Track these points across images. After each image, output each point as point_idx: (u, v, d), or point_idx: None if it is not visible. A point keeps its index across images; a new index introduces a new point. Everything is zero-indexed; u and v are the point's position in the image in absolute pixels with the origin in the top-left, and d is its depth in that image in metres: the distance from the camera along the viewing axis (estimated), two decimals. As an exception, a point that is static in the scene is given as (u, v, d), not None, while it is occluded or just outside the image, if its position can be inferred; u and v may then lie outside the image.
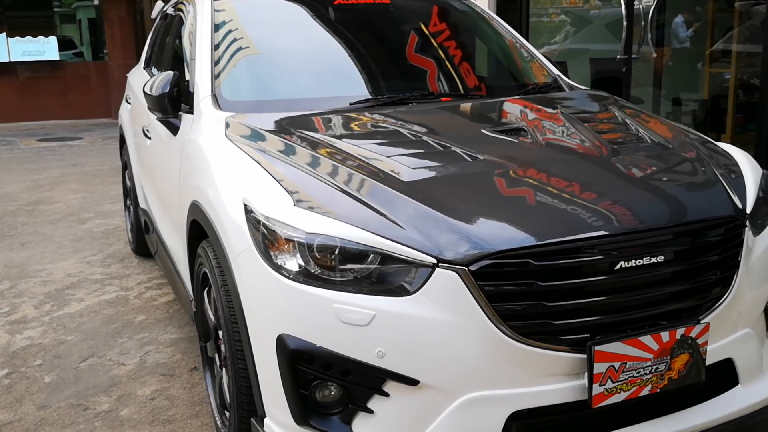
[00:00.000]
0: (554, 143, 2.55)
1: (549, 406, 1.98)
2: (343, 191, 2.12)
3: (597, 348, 1.94)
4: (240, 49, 3.18)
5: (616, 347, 1.96)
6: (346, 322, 1.93)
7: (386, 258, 1.94)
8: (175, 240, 3.25)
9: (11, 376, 3.27)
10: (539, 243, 1.93)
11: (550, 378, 1.97)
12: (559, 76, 3.45)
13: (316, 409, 2.03)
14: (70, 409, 2.97)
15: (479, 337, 1.91)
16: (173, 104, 3.01)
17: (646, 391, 2.03)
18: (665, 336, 2.01)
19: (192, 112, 2.97)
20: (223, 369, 2.53)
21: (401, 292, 1.92)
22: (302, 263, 2.00)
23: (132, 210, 4.74)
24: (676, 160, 2.47)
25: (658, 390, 2.05)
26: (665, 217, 2.11)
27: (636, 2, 5.92)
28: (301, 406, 2.02)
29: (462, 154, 2.35)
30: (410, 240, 1.94)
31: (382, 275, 1.95)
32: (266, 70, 3.18)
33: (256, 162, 2.34)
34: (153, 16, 5.20)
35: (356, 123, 2.71)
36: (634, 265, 1.99)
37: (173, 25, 3.91)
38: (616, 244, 1.99)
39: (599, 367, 1.95)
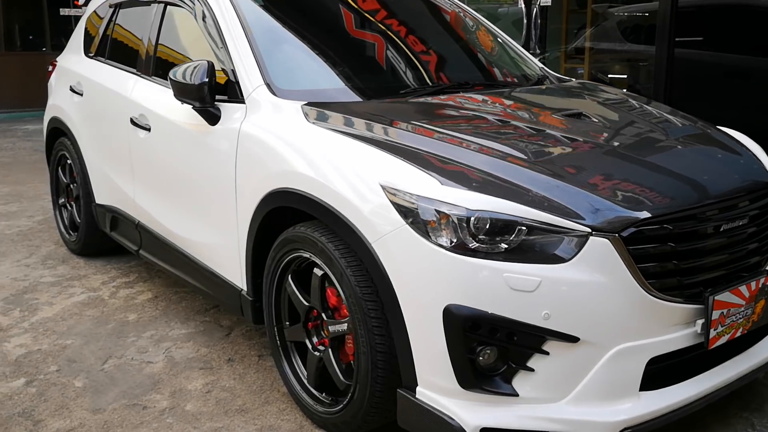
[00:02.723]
0: (619, 127, 2.89)
1: (675, 351, 2.30)
2: (479, 170, 2.29)
3: (716, 297, 2.28)
4: (278, 37, 3.21)
5: (726, 296, 2.32)
6: (515, 289, 2.12)
7: (542, 229, 2.15)
8: (204, 232, 3.20)
9: (34, 384, 3.06)
10: (674, 210, 2.25)
11: (674, 327, 2.28)
12: (543, 68, 3.80)
13: (479, 372, 2.19)
14: (127, 409, 2.86)
15: (627, 295, 2.17)
16: (212, 93, 2.99)
17: (739, 333, 2.41)
18: (753, 285, 2.41)
19: (238, 102, 2.97)
20: (328, 349, 2.59)
21: (559, 259, 2.14)
22: (461, 237, 2.16)
23: (81, 208, 4.48)
24: (716, 140, 2.89)
25: (746, 332, 2.44)
26: (742, 184, 2.51)
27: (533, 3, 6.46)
28: (468, 371, 2.18)
29: (559, 136, 2.61)
30: (564, 212, 2.16)
31: (539, 245, 2.15)
32: (312, 59, 3.23)
33: (373, 146, 2.43)
34: (81, 1, 4.94)
35: (437, 109, 2.88)
36: (731, 226, 2.37)
37: (155, 14, 3.77)
38: (719, 209, 2.35)
39: (715, 314, 2.29)
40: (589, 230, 2.14)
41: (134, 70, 3.85)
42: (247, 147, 2.85)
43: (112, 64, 4.17)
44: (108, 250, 4.64)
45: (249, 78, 2.98)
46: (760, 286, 2.43)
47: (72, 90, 4.45)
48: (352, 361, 2.53)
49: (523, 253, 2.15)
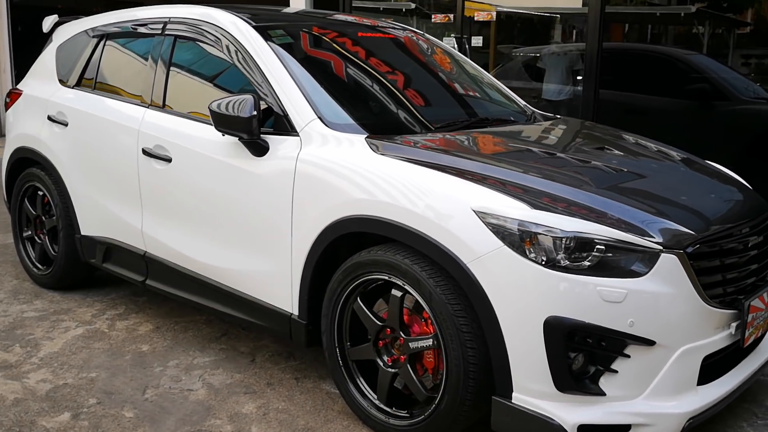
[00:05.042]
0: (643, 158, 3.30)
1: (718, 350, 2.68)
2: (558, 196, 2.60)
3: (752, 303, 2.70)
4: (315, 72, 3.39)
5: (756, 302, 2.75)
6: (607, 300, 2.43)
7: (621, 248, 2.48)
8: (245, 260, 3.28)
9: (81, 417, 3.02)
10: (721, 229, 2.65)
11: (717, 330, 2.66)
12: (526, 105, 4.19)
13: (573, 375, 2.47)
14: (194, 435, 2.90)
15: (689, 303, 2.54)
16: (259, 126, 3.12)
17: (760, 333, 2.85)
18: (769, 293, 2.86)
19: (288, 134, 3.12)
20: (407, 365, 2.78)
21: (637, 274, 2.48)
22: (554, 256, 2.45)
23: (60, 240, 4.37)
24: (718, 170, 3.36)
25: (763, 333, 2.88)
26: (757, 207, 2.97)
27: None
28: (565, 375, 2.45)
29: (602, 166, 2.97)
30: (638, 232, 2.51)
31: (617, 262, 2.48)
32: (353, 94, 3.43)
33: (451, 174, 2.68)
34: (45, 29, 4.84)
35: (489, 142, 3.17)
36: (756, 242, 2.81)
37: (163, 46, 3.81)
38: (749, 227, 2.79)
39: (750, 317, 2.71)
40: (660, 248, 2.49)
41: (140, 102, 3.86)
42: (308, 177, 3.00)
43: (104, 95, 4.14)
44: (82, 282, 4.55)
45: (299, 112, 3.14)
46: (773, 294, 2.89)
47: (52, 120, 4.35)
48: (431, 374, 2.74)
49: (604, 269, 2.47)
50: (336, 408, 3.11)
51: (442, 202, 2.63)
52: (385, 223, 2.74)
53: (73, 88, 4.37)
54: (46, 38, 4.82)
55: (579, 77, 7.88)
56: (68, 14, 4.92)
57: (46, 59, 4.69)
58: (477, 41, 6.98)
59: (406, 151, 2.91)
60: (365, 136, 3.00)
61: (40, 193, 4.54)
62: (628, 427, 2.50)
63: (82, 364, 3.53)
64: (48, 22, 4.82)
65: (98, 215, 4.12)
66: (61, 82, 4.47)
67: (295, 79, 3.24)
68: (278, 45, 3.43)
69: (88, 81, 4.30)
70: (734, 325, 2.69)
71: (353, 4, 7.55)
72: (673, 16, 10.14)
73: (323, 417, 3.05)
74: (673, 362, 2.53)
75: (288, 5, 7.69)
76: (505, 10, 7.77)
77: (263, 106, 3.20)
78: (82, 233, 4.24)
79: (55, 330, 3.94)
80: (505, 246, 2.48)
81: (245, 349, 3.73)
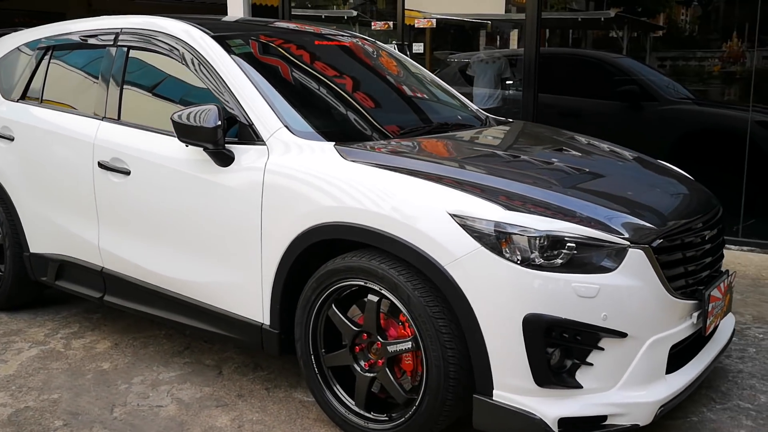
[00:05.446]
0: (601, 158, 3.41)
1: (684, 339, 2.81)
2: (529, 197, 2.68)
3: (711, 293, 2.84)
4: (276, 81, 3.39)
5: (715, 292, 2.89)
6: (581, 296, 2.52)
7: (591, 245, 2.57)
8: (211, 272, 3.25)
9: (49, 440, 2.94)
10: (681, 223, 2.78)
11: (681, 320, 2.79)
12: (479, 109, 4.28)
13: (551, 370, 2.55)
14: (170, 451, 2.85)
15: (656, 295, 2.65)
16: (224, 136, 3.10)
17: (718, 321, 2.99)
18: (724, 283, 3.00)
19: (254, 144, 3.11)
20: (385, 369, 2.81)
21: (606, 269, 2.57)
22: (528, 255, 2.52)
23: (6, 259, 4.23)
24: (669, 167, 3.52)
25: (719, 322, 3.03)
26: (708, 201, 3.12)
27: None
28: (544, 370, 2.52)
29: (564, 167, 3.06)
30: (607, 229, 2.60)
31: (588, 258, 2.57)
32: (315, 101, 3.44)
33: (424, 179, 2.73)
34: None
35: (455, 146, 3.23)
36: (711, 235, 2.95)
37: (115, 57, 3.74)
38: (703, 222, 2.93)
39: (710, 306, 2.85)
40: (628, 243, 2.60)
41: (93, 114, 3.77)
42: (277, 186, 3.00)
43: (52, 108, 4.03)
44: (30, 302, 4.41)
45: (264, 121, 3.13)
46: (728, 283, 3.04)
47: (-7, 136, 4.21)
48: (409, 377, 2.78)
49: (576, 266, 2.55)
50: (311, 416, 3.11)
51: (418, 207, 2.67)
52: (362, 229, 2.76)
53: (17, 101, 4.23)
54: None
55: (509, 82, 8.10)
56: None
57: (-19, 72, 4.53)
58: (418, 48, 7.07)
59: (377, 158, 2.94)
60: (333, 143, 3.02)
61: (-18, 211, 4.38)
62: (605, 417, 2.60)
63: (41, 385, 3.42)
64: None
65: (49, 232, 4.00)
66: (4, 96, 4.33)
67: (258, 88, 3.24)
68: (238, 55, 3.42)
69: (33, 94, 4.18)
70: (695, 314, 2.82)
71: (293, 13, 7.53)
72: (594, 21, 10.49)
73: (300, 426, 3.05)
74: (643, 353, 2.63)
75: (225, 14, 7.63)
76: (441, 17, 7.88)
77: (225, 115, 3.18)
78: (32, 251, 4.11)
79: (8, 352, 3.81)
80: (482, 247, 2.54)
81: (210, 361, 3.68)
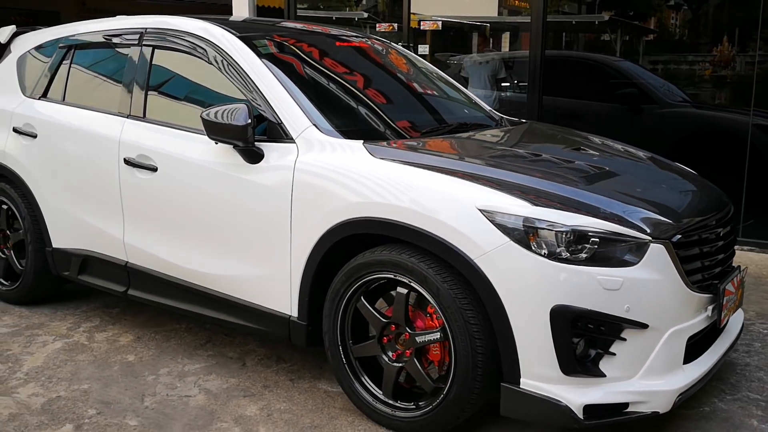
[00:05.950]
0: (618, 158, 3.53)
1: (700, 330, 2.92)
2: (555, 194, 2.79)
3: (726, 287, 2.96)
4: (303, 81, 3.48)
5: (729, 286, 3.00)
6: (606, 288, 2.63)
7: (614, 240, 2.68)
8: (239, 266, 3.33)
9: (84, 428, 3.02)
10: (698, 220, 2.90)
11: (697, 313, 2.90)
12: (491, 110, 4.40)
13: (576, 360, 2.66)
14: (204, 439, 2.94)
15: (675, 289, 2.77)
16: (254, 133, 3.20)
17: (732, 314, 3.11)
18: (737, 278, 3.12)
19: (284, 142, 3.20)
20: (413, 359, 2.91)
21: (629, 263, 2.68)
22: (555, 249, 2.63)
23: (28, 254, 4.30)
24: (680, 167, 3.63)
25: (731, 315, 3.14)
26: (720, 199, 3.24)
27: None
28: (570, 359, 2.63)
29: (585, 166, 3.17)
30: (629, 225, 2.71)
31: (612, 252, 2.68)
32: (339, 101, 3.53)
33: (451, 176, 2.83)
34: (3, 40, 4.75)
35: (479, 144, 3.34)
36: (724, 232, 3.07)
37: (140, 56, 3.82)
38: (717, 219, 3.05)
39: (725, 300, 2.96)
40: (650, 238, 2.71)
41: (118, 112, 3.85)
42: (308, 183, 3.09)
43: (76, 105, 4.10)
44: (49, 297, 4.49)
45: (293, 120, 3.22)
46: (740, 278, 3.16)
47: (18, 132, 4.28)
48: (436, 366, 2.88)
49: (600, 259, 2.66)
50: (337, 405, 3.21)
51: (447, 203, 2.77)
52: (394, 224, 2.85)
53: (39, 99, 4.31)
54: (3, 49, 4.72)
55: (505, 84, 8.23)
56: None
57: (6, 71, 4.60)
58: (423, 50, 7.18)
59: (405, 155, 3.04)
60: (362, 141, 3.11)
61: (4, 206, 4.45)
62: (626, 405, 2.71)
63: (70, 376, 3.50)
64: (5, 32, 4.73)
65: (72, 227, 4.08)
66: (26, 94, 4.40)
67: (286, 88, 3.33)
68: (264, 56, 3.51)
69: (56, 92, 4.25)
70: (711, 307, 2.93)
71: (298, 14, 7.63)
72: (588, 24, 10.65)
73: (327, 414, 3.14)
74: (663, 343, 2.74)
75: (226, 14, 7.70)
76: (447, 19, 8.00)
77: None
78: (54, 246, 4.19)
79: (33, 345, 3.88)
80: (511, 241, 2.64)
81: (233, 354, 3.77)
